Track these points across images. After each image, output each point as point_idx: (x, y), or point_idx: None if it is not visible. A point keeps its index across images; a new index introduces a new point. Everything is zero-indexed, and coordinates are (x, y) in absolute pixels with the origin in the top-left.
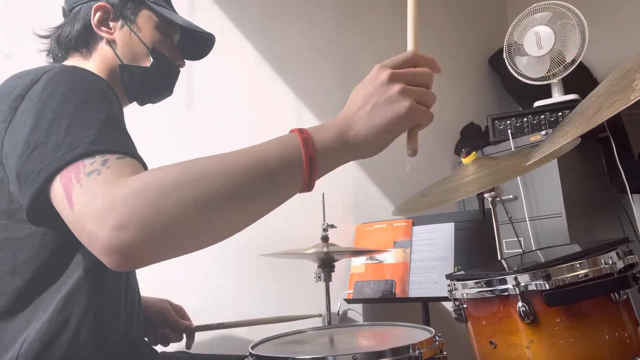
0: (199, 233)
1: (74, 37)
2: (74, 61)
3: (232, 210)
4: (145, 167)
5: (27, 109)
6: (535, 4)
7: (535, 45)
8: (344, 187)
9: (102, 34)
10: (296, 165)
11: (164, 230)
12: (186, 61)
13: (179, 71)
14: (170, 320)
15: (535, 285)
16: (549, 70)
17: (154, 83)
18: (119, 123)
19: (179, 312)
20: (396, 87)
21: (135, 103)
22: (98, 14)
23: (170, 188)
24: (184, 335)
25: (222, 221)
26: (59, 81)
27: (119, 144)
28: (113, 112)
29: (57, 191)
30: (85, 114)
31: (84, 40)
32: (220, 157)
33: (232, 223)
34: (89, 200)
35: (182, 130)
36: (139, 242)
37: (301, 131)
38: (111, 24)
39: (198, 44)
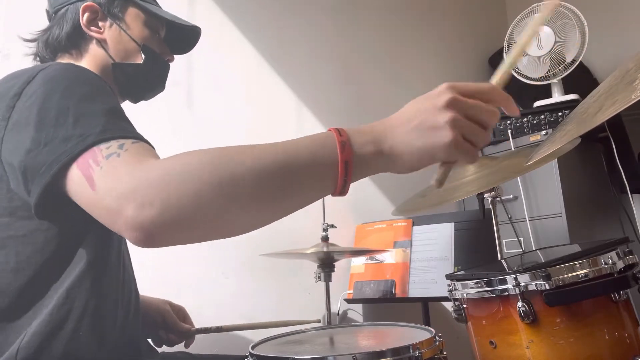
0: (221, 220)
1: (63, 39)
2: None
3: (256, 204)
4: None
5: (26, 106)
6: (535, 4)
7: (535, 45)
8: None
9: (92, 34)
10: (329, 168)
11: (187, 212)
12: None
13: (169, 66)
14: (170, 322)
15: (535, 285)
16: (549, 70)
17: (147, 79)
18: (123, 114)
19: (180, 313)
20: (448, 115)
21: (128, 103)
22: (86, 14)
23: (197, 171)
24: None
25: (245, 213)
26: (57, 77)
27: (129, 131)
28: (115, 103)
29: (75, 178)
30: (91, 105)
31: (74, 42)
32: (252, 148)
33: (255, 217)
34: (112, 180)
35: (182, 130)
36: (163, 221)
37: (339, 132)
38: (100, 24)
39: (184, 37)
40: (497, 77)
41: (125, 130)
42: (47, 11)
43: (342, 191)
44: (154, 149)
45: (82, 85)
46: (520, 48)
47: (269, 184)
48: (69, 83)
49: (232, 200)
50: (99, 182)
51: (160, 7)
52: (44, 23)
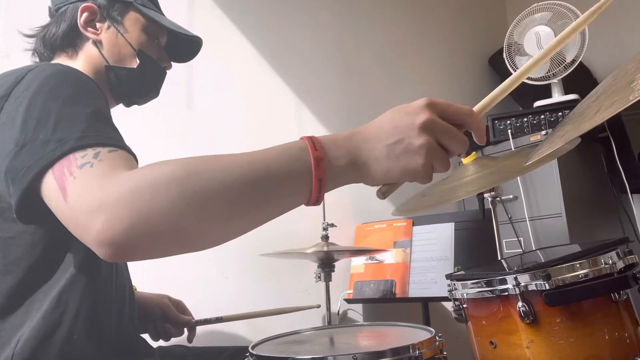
0: (192, 233)
1: (59, 37)
2: (60, 61)
3: (228, 215)
4: (136, 160)
5: (13, 107)
6: (535, 4)
7: (535, 46)
8: (344, 187)
9: (89, 35)
10: (303, 182)
11: (157, 226)
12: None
13: (165, 73)
14: (170, 315)
15: (535, 285)
16: (549, 70)
17: (140, 84)
18: (107, 117)
19: (179, 306)
20: (423, 140)
21: (121, 105)
22: (85, 14)
23: (166, 184)
24: (185, 329)
25: (217, 224)
26: (44, 78)
27: (109, 137)
28: (100, 106)
29: (50, 185)
30: (73, 109)
31: (70, 40)
32: (223, 158)
33: (228, 228)
34: (83, 192)
35: (181, 130)
36: (133, 235)
37: (314, 145)
38: (98, 25)
39: (185, 46)
40: (481, 105)
41: (104, 137)
42: (49, 8)
43: (315, 203)
44: (133, 156)
45: (69, 87)
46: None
47: (241, 197)
48: (56, 84)
49: (203, 214)
50: (71, 193)
51: (164, 15)
52: (45, 20)
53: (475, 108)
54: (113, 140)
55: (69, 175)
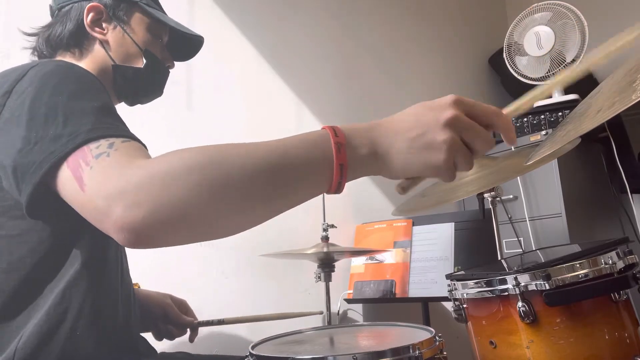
0: (211, 220)
1: (65, 37)
2: (63, 60)
3: (247, 203)
4: (148, 151)
5: (17, 104)
6: (535, 4)
7: (535, 45)
8: (345, 187)
9: (95, 35)
10: (324, 169)
11: (176, 213)
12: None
13: (168, 72)
14: (171, 315)
15: (535, 285)
16: (549, 70)
17: (146, 84)
18: (114, 111)
19: (182, 306)
20: (447, 135)
21: (122, 105)
22: (91, 14)
23: (186, 171)
24: (187, 329)
25: (236, 213)
26: (47, 75)
27: (120, 129)
28: (106, 100)
29: (65, 177)
30: (80, 103)
31: (76, 40)
32: (242, 147)
33: (247, 216)
34: (101, 180)
35: (181, 130)
36: (152, 221)
37: (335, 132)
38: (104, 25)
39: (186, 45)
40: (513, 107)
41: (115, 129)
42: (51, 7)
43: (337, 191)
44: (145, 147)
45: (72, 83)
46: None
47: (261, 184)
48: (59, 80)
49: (223, 201)
50: (89, 182)
51: (166, 14)
52: (45, 20)
53: (506, 110)
54: (124, 131)
55: (85, 165)
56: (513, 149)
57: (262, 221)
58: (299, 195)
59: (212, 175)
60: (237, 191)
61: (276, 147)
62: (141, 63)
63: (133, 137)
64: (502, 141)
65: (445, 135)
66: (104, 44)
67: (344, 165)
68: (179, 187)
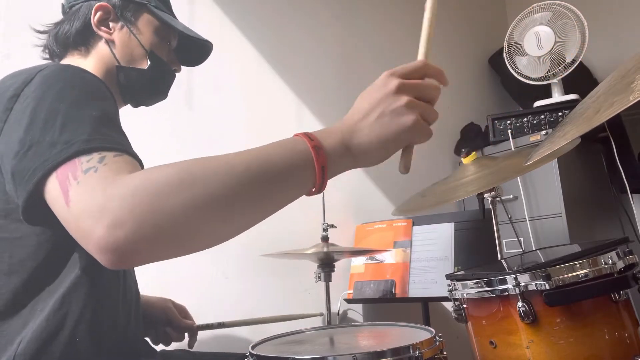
0: (197, 235)
1: (72, 35)
2: (72, 59)
3: (231, 214)
4: (142, 165)
5: (22, 108)
6: (535, 4)
7: (535, 45)
8: (344, 187)
9: (102, 34)
10: (306, 172)
11: (160, 230)
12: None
13: (174, 75)
14: (172, 320)
15: (535, 285)
16: (549, 70)
17: (150, 86)
18: (114, 120)
19: (182, 311)
20: (403, 99)
21: (129, 105)
22: (99, 13)
23: (168, 188)
24: (186, 334)
25: (220, 224)
26: (52, 79)
27: (115, 141)
28: (108, 109)
29: (53, 189)
30: (80, 111)
31: (83, 39)
32: (221, 159)
33: (231, 226)
34: (85, 197)
35: (181, 130)
36: (135, 240)
37: (309, 137)
38: (111, 24)
39: (196, 50)
40: (422, 52)
41: (110, 141)
42: (63, 5)
43: (319, 191)
44: (139, 161)
45: (76, 89)
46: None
47: (243, 195)
48: (63, 86)
49: (207, 215)
50: (74, 198)
51: (176, 18)
52: (45, 20)
53: (422, 55)
54: (119, 144)
55: (73, 179)
56: (513, 149)
57: (246, 228)
58: (282, 200)
59: (195, 190)
60: (220, 204)
61: (256, 157)
62: (145, 65)
63: (126, 151)
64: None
65: (402, 100)
66: (110, 43)
67: (325, 167)
68: (162, 204)
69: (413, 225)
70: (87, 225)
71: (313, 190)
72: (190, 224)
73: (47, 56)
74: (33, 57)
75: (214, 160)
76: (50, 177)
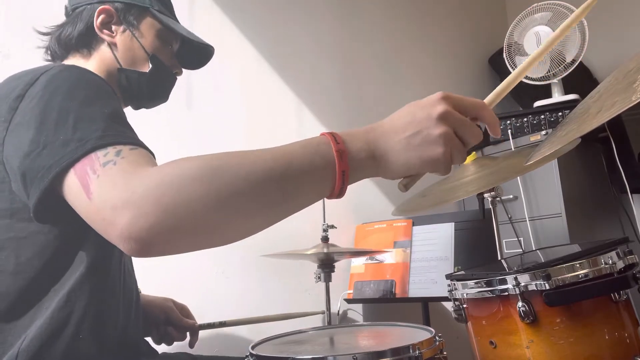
0: (217, 229)
1: (75, 37)
2: (74, 61)
3: (251, 210)
4: (155, 158)
5: (29, 108)
6: (535, 4)
7: (535, 45)
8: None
9: (104, 37)
10: (326, 174)
11: (182, 222)
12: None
13: (175, 79)
14: (173, 319)
15: (535, 285)
16: (549, 70)
17: (150, 89)
18: (124, 118)
19: (183, 310)
20: (442, 129)
21: (129, 107)
22: (101, 16)
23: (191, 181)
24: (188, 333)
25: (240, 220)
26: (60, 80)
27: (128, 136)
28: (116, 107)
29: (72, 184)
30: (91, 109)
31: (85, 41)
32: (245, 154)
33: (251, 223)
34: (108, 189)
35: (182, 131)
36: (158, 231)
37: (335, 139)
38: (113, 28)
39: (197, 54)
40: (492, 97)
41: (124, 136)
42: (66, 7)
43: (338, 196)
44: (152, 155)
45: (84, 88)
46: (532, 59)
47: (265, 192)
48: (71, 85)
49: (228, 210)
50: (95, 191)
51: (178, 22)
52: (45, 20)
53: (488, 100)
54: (132, 139)
55: (92, 173)
56: (513, 149)
57: (266, 227)
58: (302, 201)
59: (217, 185)
60: (242, 200)
61: (280, 156)
62: (147, 68)
63: (141, 145)
64: (501, 141)
65: (440, 129)
66: (112, 46)
67: (346, 172)
68: (185, 197)
69: (413, 225)
70: (111, 216)
71: (333, 193)
72: (212, 217)
73: (49, 58)
74: (33, 57)
75: (239, 155)
76: (67, 174)
